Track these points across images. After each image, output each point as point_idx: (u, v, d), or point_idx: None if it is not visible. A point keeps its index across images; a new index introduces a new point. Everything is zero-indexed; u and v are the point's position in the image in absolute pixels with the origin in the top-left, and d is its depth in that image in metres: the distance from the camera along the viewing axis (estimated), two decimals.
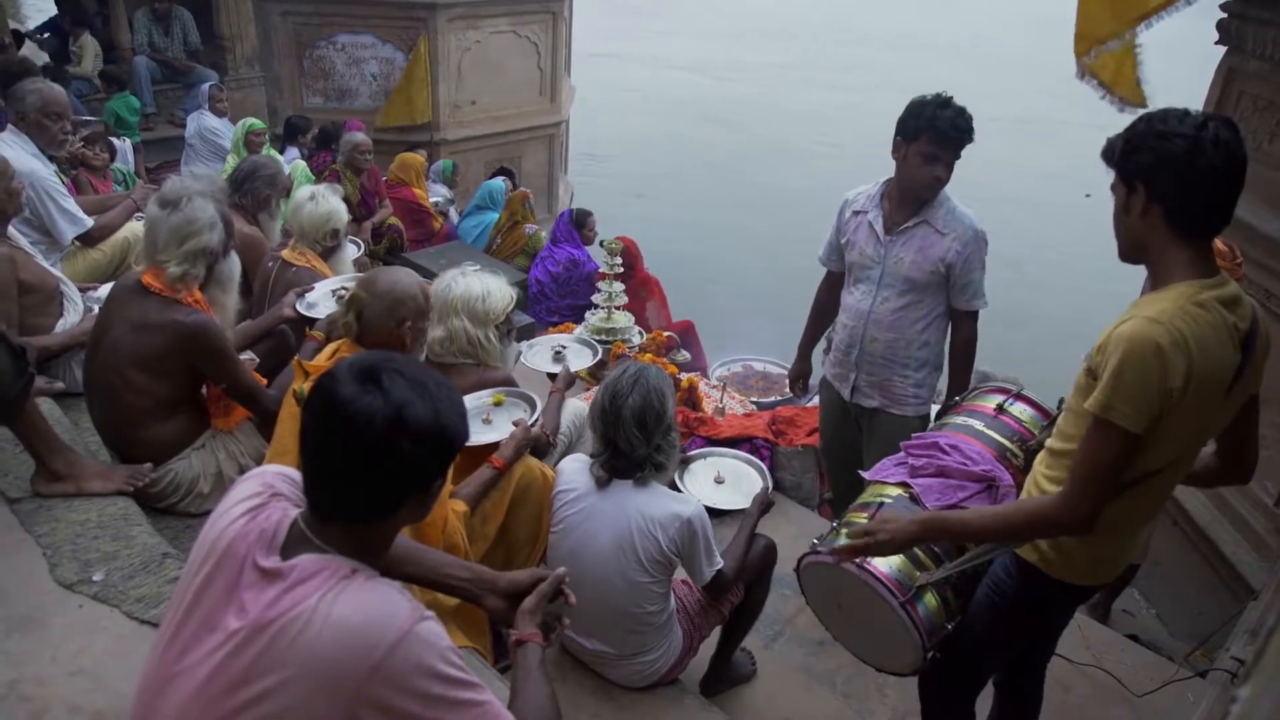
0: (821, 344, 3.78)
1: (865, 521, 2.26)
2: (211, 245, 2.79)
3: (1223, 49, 4.24)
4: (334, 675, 1.23)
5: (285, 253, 3.75)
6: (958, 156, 2.93)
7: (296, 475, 1.49)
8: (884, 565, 2.14)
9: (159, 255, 2.72)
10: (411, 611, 1.29)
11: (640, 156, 15.54)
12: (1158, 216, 1.75)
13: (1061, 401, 2.07)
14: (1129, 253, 1.87)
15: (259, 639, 1.26)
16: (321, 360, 2.51)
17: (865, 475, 2.52)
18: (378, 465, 1.30)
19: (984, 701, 2.43)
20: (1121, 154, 1.79)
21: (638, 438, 2.32)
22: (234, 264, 2.97)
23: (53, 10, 9.74)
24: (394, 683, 1.24)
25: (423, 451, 1.31)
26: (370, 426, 1.28)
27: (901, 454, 2.47)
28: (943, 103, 2.87)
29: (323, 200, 3.78)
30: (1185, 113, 1.74)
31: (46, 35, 8.88)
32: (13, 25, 8.51)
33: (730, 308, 8.85)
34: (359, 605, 1.27)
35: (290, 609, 1.26)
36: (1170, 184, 1.72)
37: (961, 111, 2.87)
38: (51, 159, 3.98)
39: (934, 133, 2.85)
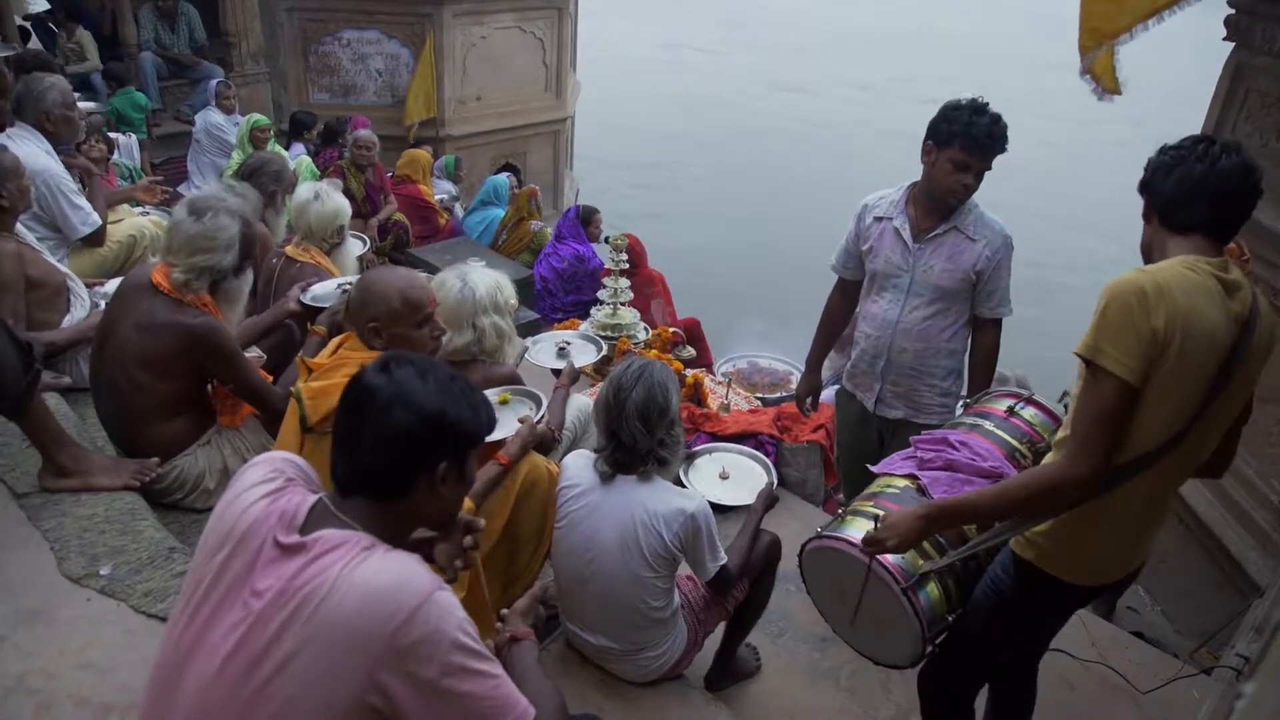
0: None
1: (871, 508, 2.27)
2: (220, 265, 2.78)
3: (1231, 45, 4.22)
4: (357, 638, 1.27)
5: (289, 249, 3.74)
6: (989, 166, 2.86)
7: (302, 462, 1.56)
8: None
9: (169, 256, 2.74)
10: (431, 579, 1.34)
11: (678, 160, 15.45)
12: (1155, 220, 1.94)
13: (1065, 395, 2.07)
14: (1145, 260, 1.98)
15: (284, 609, 1.29)
16: (324, 356, 2.51)
17: (873, 469, 2.51)
18: (376, 431, 1.41)
19: (981, 699, 2.44)
20: (1143, 173, 2.00)
21: (641, 431, 2.33)
22: (245, 282, 2.96)
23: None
24: (414, 646, 1.27)
25: (418, 424, 1.41)
26: (373, 396, 1.43)
27: (910, 449, 2.47)
28: (978, 109, 2.81)
29: (328, 198, 3.77)
30: (1198, 138, 1.93)
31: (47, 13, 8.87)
32: (19, 21, 8.52)
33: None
34: (382, 570, 1.31)
35: (315, 577, 1.30)
36: (1158, 189, 1.93)
37: (997, 119, 2.81)
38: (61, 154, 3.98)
39: (967, 140, 2.79)
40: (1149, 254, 1.96)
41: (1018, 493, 1.89)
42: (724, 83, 21.38)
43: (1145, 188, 1.97)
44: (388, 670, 1.26)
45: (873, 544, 2.03)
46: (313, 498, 1.44)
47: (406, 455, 1.43)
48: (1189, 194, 1.86)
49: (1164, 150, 1.95)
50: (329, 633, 1.27)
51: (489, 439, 2.57)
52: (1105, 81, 3.46)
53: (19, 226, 3.26)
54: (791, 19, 29.94)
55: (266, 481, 1.45)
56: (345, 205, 3.86)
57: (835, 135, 17.81)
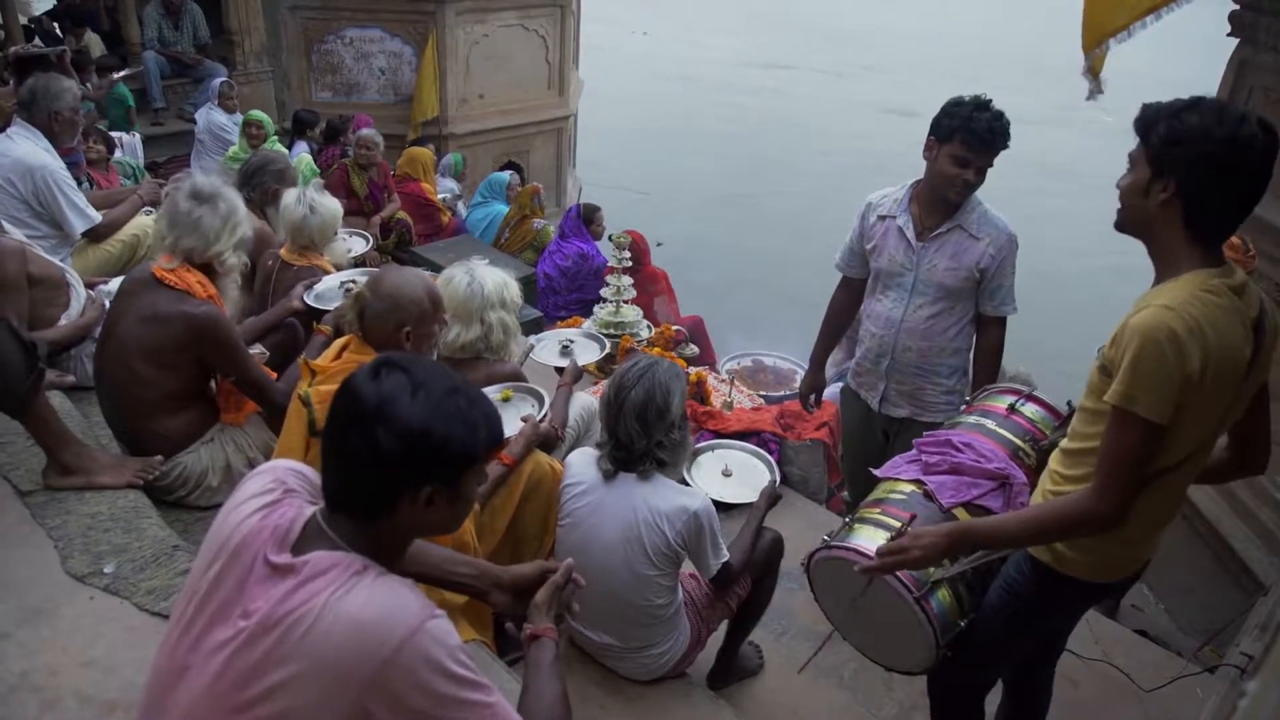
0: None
1: (878, 514, 2.26)
2: (249, 233, 2.90)
3: (1235, 41, 4.21)
4: (344, 670, 1.24)
5: (284, 252, 3.69)
6: (990, 162, 2.86)
7: (307, 470, 1.51)
8: None
9: (215, 247, 2.77)
10: (422, 609, 1.30)
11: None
12: (1176, 212, 1.75)
13: (1070, 404, 2.05)
14: (1130, 228, 1.86)
15: (271, 633, 1.26)
16: (327, 359, 2.50)
17: (877, 472, 2.50)
18: (357, 450, 1.33)
19: (992, 697, 2.43)
20: (1163, 141, 1.74)
21: (637, 431, 2.32)
22: (241, 256, 2.98)
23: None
24: (403, 679, 1.25)
25: (399, 447, 1.31)
26: (356, 411, 1.34)
27: (914, 451, 2.45)
28: (981, 104, 2.80)
29: (320, 207, 3.67)
30: (1221, 107, 1.73)
31: (49, 20, 8.94)
32: (23, 20, 8.55)
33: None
34: (370, 601, 1.27)
35: (302, 604, 1.27)
36: (1203, 186, 1.71)
37: (999, 115, 2.80)
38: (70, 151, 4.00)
39: (968, 134, 2.78)
40: (1146, 232, 1.82)
41: (1044, 525, 1.90)
42: (826, 105, 19.81)
43: (1181, 172, 1.71)
44: (375, 702, 1.24)
45: (895, 553, 1.98)
46: (309, 511, 1.40)
47: (383, 478, 1.34)
48: (1244, 205, 1.73)
49: (1216, 137, 1.67)
50: (315, 663, 1.24)
51: None
52: (1096, 83, 3.49)
53: (5, 224, 3.26)
54: (920, 40, 26.80)
55: (264, 493, 1.41)
56: (337, 206, 3.79)
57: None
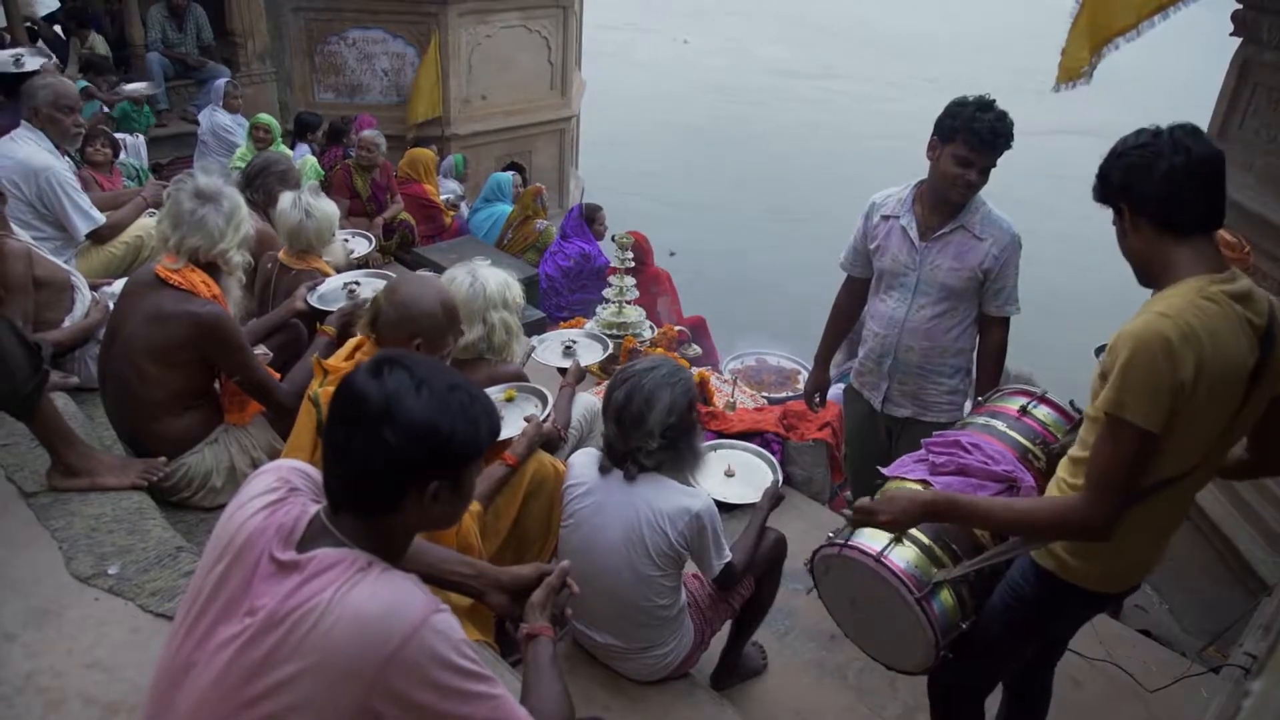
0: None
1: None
2: (252, 231, 2.90)
3: (1237, 41, 4.20)
4: (350, 665, 1.25)
5: (282, 256, 3.69)
6: (993, 163, 2.85)
7: (311, 470, 1.52)
8: (901, 560, 2.12)
9: (220, 245, 2.78)
10: (426, 603, 1.30)
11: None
12: (1146, 227, 1.81)
13: (1073, 403, 2.05)
14: (1142, 274, 1.89)
15: (276, 630, 1.27)
16: (340, 359, 2.50)
17: (884, 471, 2.50)
18: (363, 448, 1.33)
19: (992, 698, 2.43)
20: (1099, 183, 1.87)
21: (615, 434, 2.34)
22: (245, 255, 2.98)
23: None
24: (408, 673, 1.25)
25: (406, 443, 1.32)
26: (361, 408, 1.33)
27: (922, 451, 2.45)
28: (984, 105, 2.79)
29: (317, 211, 3.66)
30: (1142, 129, 1.83)
31: (54, 24, 8.95)
32: (27, 23, 8.55)
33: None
34: (374, 596, 1.28)
35: (307, 600, 1.27)
36: (1144, 193, 1.78)
37: (1002, 116, 2.79)
38: (65, 154, 4.00)
39: (970, 135, 2.77)
40: (1146, 266, 1.85)
41: (1031, 519, 1.89)
42: (872, 115, 18.96)
43: (1122, 194, 1.82)
44: (381, 697, 1.25)
45: (864, 513, 2.01)
46: (313, 509, 1.40)
47: (391, 475, 1.35)
48: (1182, 190, 1.74)
49: (1124, 152, 1.81)
50: (321, 660, 1.25)
51: (498, 438, 2.59)
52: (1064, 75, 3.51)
53: (15, 226, 3.27)
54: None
55: (269, 492, 1.42)
56: (333, 208, 3.79)
57: None
